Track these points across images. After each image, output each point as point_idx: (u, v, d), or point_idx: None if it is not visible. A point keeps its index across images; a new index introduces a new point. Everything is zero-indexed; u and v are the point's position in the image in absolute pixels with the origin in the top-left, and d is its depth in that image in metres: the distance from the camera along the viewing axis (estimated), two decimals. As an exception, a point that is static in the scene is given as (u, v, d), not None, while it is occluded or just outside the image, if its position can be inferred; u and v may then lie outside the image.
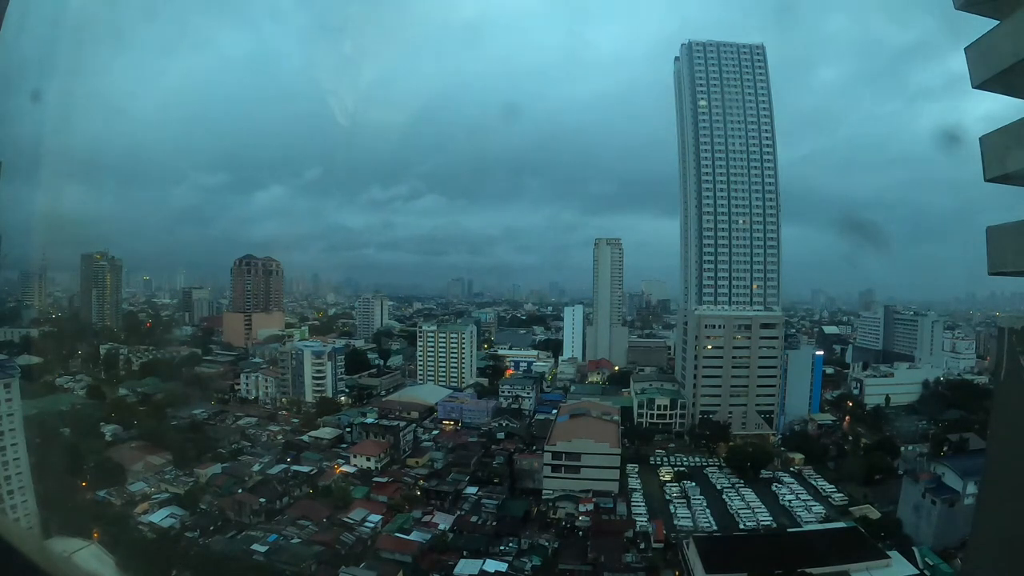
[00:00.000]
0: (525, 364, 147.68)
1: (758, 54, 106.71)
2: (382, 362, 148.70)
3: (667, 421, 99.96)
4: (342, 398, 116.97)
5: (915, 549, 53.65)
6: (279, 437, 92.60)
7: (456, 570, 51.82)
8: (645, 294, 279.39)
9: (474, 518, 62.71)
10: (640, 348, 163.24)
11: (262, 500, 64.30)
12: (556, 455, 71.79)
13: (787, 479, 77.27)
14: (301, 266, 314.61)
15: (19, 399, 56.77)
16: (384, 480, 72.32)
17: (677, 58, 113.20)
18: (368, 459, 78.28)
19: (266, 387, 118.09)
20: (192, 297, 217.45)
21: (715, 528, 62.46)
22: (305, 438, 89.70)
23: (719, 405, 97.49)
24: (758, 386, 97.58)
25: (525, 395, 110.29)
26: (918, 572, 50.15)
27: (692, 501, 68.77)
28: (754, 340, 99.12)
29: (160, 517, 60.15)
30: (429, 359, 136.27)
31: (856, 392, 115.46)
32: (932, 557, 51.92)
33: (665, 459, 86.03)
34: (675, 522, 63.47)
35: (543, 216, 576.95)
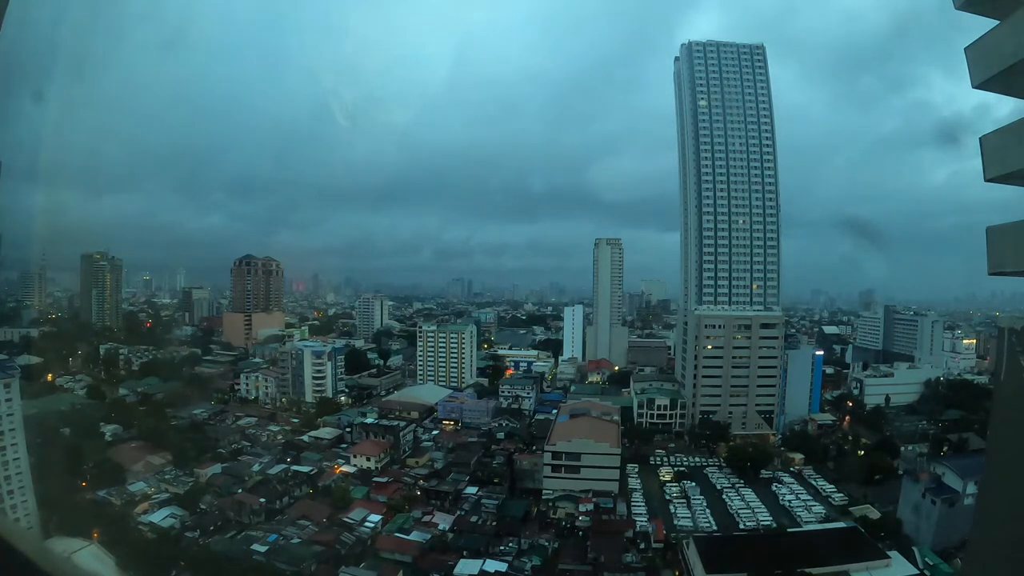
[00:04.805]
0: (525, 364, 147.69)
1: (758, 54, 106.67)
2: (382, 362, 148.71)
3: (667, 421, 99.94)
4: (342, 398, 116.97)
5: (915, 549, 53.69)
6: (279, 437, 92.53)
7: (456, 570, 51.79)
8: (645, 294, 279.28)
9: (474, 518, 62.67)
10: (640, 348, 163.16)
11: (262, 500, 64.25)
12: (556, 455, 71.75)
13: (787, 479, 77.23)
14: (301, 266, 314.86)
15: (19, 399, 56.79)
16: (384, 480, 72.28)
17: (677, 58, 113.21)
18: (368, 459, 78.27)
19: (266, 387, 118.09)
20: (192, 297, 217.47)
21: (715, 528, 62.44)
22: (305, 438, 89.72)
23: (719, 405, 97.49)
24: (758, 386, 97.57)
25: (525, 395, 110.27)
26: (918, 572, 50.15)
27: (692, 501, 68.76)
28: (754, 340, 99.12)
29: (160, 517, 60.11)
30: (429, 359, 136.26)
31: (856, 392, 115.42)
32: (932, 557, 51.94)
33: (665, 459, 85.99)
34: (675, 522, 63.44)
35: (549, 228, 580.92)
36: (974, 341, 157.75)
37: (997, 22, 11.50)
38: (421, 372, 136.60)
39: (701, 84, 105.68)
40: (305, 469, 74.70)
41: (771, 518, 64.51)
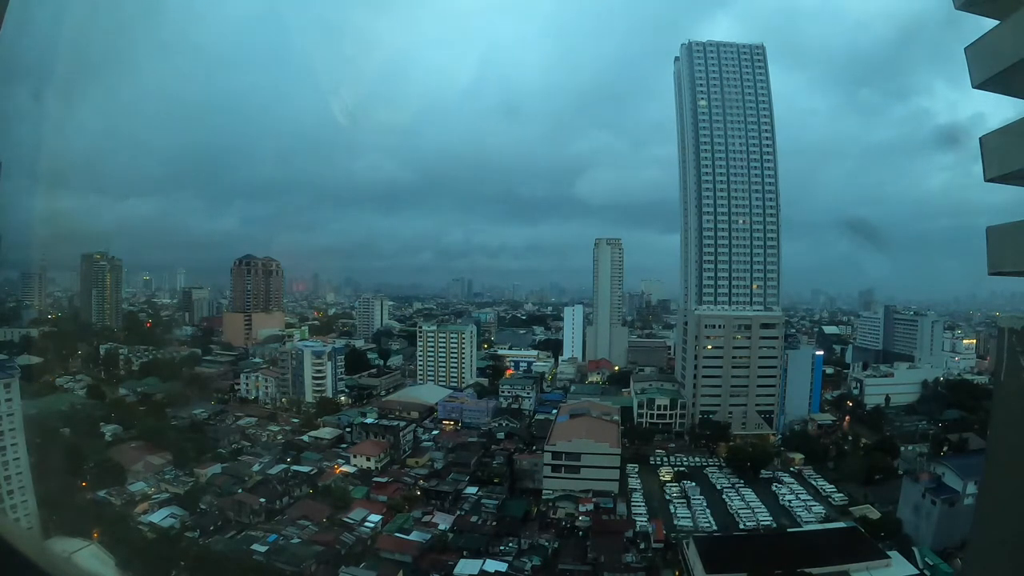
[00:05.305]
0: (525, 364, 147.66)
1: (758, 54, 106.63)
2: (382, 362, 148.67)
3: (667, 421, 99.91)
4: (342, 398, 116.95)
5: (915, 549, 53.69)
6: (279, 437, 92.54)
7: (456, 570, 51.80)
8: (645, 294, 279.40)
9: (474, 518, 62.68)
10: (640, 348, 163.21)
11: (262, 500, 64.24)
12: (556, 455, 71.76)
13: (787, 479, 77.23)
14: (301, 266, 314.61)
15: (19, 399, 56.74)
16: (384, 480, 72.33)
17: (677, 58, 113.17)
18: (368, 459, 78.29)
19: (266, 387, 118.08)
20: (192, 297, 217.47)
21: (715, 528, 62.46)
22: (305, 438, 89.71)
23: (719, 405, 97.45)
24: (758, 386, 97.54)
25: (525, 395, 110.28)
26: (918, 572, 50.15)
27: (692, 501, 68.75)
28: (754, 340, 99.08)
29: (160, 517, 60.08)
30: (429, 359, 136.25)
31: (856, 392, 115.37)
32: (932, 557, 51.93)
33: (665, 459, 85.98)
34: (675, 522, 63.44)
35: (549, 229, 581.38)
36: (974, 341, 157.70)
37: (997, 22, 11.51)
38: (421, 372, 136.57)
39: (701, 84, 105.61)
40: (305, 469, 74.69)
41: (771, 518, 64.52)
